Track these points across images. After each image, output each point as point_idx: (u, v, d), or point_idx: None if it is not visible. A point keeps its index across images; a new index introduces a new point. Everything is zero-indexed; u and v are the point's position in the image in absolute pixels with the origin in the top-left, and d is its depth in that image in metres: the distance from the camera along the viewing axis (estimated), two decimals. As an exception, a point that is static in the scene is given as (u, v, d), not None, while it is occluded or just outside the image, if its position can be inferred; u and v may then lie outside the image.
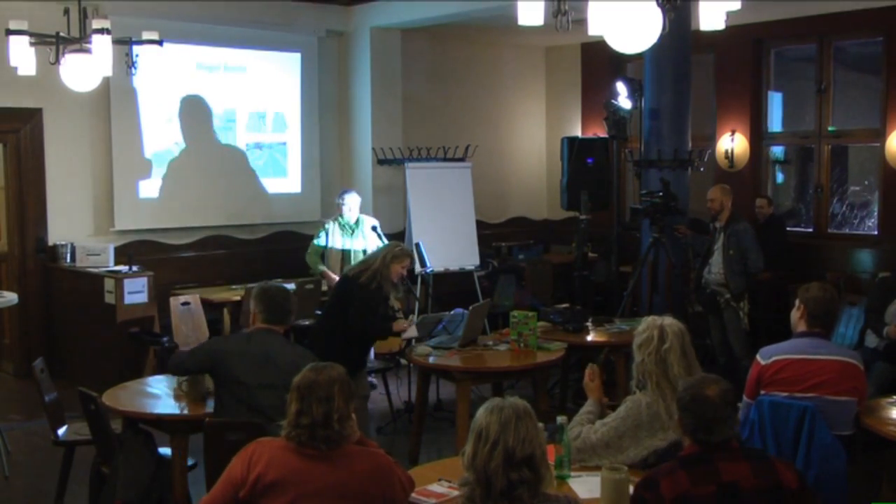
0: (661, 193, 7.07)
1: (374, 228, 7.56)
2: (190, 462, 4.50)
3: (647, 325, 3.52)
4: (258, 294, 4.14)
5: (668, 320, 3.53)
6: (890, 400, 4.33)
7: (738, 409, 2.90)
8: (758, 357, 4.15)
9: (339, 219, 7.64)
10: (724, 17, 4.20)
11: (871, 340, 6.25)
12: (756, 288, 7.55)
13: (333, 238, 7.63)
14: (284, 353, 3.96)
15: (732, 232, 7.07)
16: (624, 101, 7.78)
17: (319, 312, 7.71)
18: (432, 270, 7.84)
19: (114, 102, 8.12)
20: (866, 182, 9.45)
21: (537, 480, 2.46)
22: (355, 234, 7.62)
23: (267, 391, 3.85)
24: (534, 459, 2.45)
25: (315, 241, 7.72)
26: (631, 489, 3.04)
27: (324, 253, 7.67)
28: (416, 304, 7.33)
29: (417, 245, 7.64)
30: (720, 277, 7.12)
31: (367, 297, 5.29)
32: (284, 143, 9.38)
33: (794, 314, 4.19)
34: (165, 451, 4.40)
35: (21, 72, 5.49)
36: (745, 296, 7.12)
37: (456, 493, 3.07)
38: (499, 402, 2.52)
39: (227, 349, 4.05)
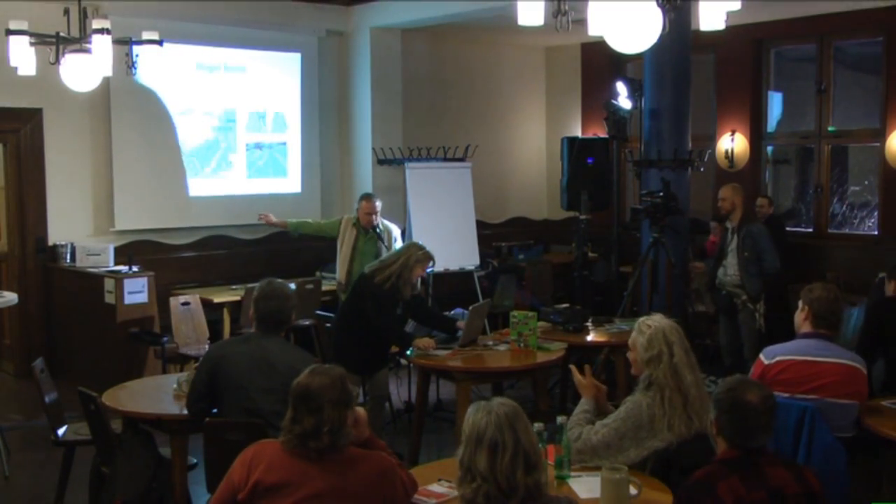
0: (661, 194, 7.05)
1: (376, 230, 7.21)
2: (190, 462, 4.50)
3: (650, 338, 3.48)
4: (255, 300, 4.05)
5: (666, 325, 3.52)
6: (890, 401, 4.32)
7: (776, 414, 2.84)
8: (761, 356, 4.15)
9: (356, 221, 7.23)
10: (724, 17, 4.20)
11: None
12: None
13: (345, 237, 7.25)
14: (283, 356, 3.89)
15: (747, 233, 6.93)
16: (624, 101, 7.79)
17: (320, 312, 7.73)
18: (432, 271, 7.83)
19: (114, 102, 8.12)
20: (866, 182, 9.44)
21: (542, 481, 2.49)
22: (369, 239, 7.17)
23: (267, 396, 3.80)
24: (541, 457, 2.49)
25: (320, 222, 7.69)
26: (631, 489, 3.04)
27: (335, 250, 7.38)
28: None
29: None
30: (736, 279, 6.98)
31: (380, 296, 5.29)
32: (284, 143, 9.38)
33: (799, 316, 4.18)
34: (165, 451, 4.39)
35: (21, 72, 5.48)
36: (761, 297, 6.97)
37: (455, 493, 3.08)
38: (493, 406, 2.49)
39: (225, 354, 3.99)
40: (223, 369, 3.93)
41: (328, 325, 6.26)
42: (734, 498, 2.64)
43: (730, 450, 2.79)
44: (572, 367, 3.81)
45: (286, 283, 4.21)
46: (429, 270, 7.58)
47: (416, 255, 5.40)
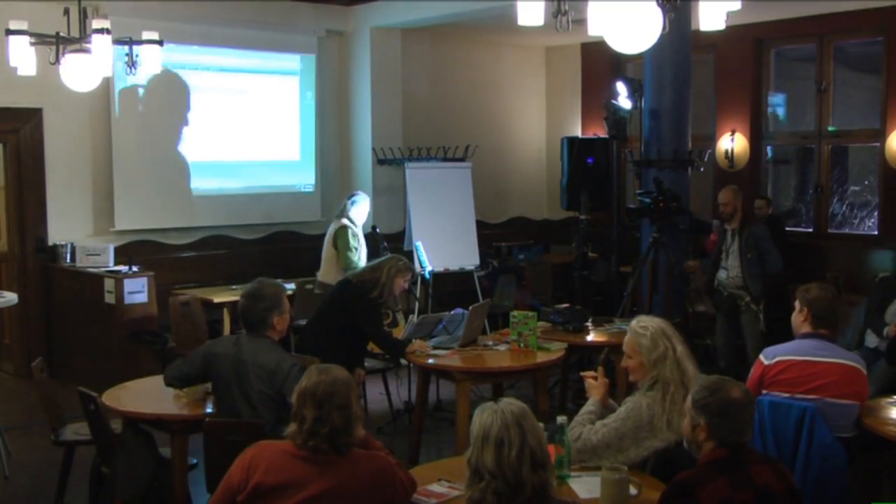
0: (654, 192, 7.02)
1: (374, 229, 7.37)
2: (190, 462, 4.50)
3: (652, 338, 3.49)
4: (240, 299, 4.07)
5: (660, 322, 3.55)
6: (890, 400, 4.32)
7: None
8: (761, 357, 4.15)
9: (352, 224, 7.22)
10: (724, 17, 4.21)
11: (871, 340, 6.24)
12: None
13: (359, 244, 7.21)
14: (264, 360, 3.89)
15: (750, 235, 6.96)
16: (624, 101, 7.78)
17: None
18: (432, 272, 7.83)
19: (114, 102, 8.12)
20: (866, 182, 9.45)
21: (549, 481, 2.50)
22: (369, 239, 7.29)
23: (241, 398, 3.87)
24: (548, 458, 2.50)
25: (350, 249, 7.14)
26: (631, 489, 3.04)
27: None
28: (416, 304, 7.33)
29: (416, 246, 7.63)
30: (739, 281, 6.98)
31: (376, 308, 5.44)
32: (284, 143, 9.37)
33: (798, 317, 4.18)
34: (165, 451, 4.39)
35: (21, 72, 5.48)
36: (762, 298, 6.99)
37: (456, 493, 3.08)
38: (500, 406, 2.51)
39: (215, 352, 4.03)
40: (213, 367, 3.99)
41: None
42: (718, 501, 2.64)
43: (718, 449, 2.79)
44: (583, 373, 3.82)
45: (275, 283, 4.17)
46: (425, 271, 7.61)
47: (397, 265, 5.49)
